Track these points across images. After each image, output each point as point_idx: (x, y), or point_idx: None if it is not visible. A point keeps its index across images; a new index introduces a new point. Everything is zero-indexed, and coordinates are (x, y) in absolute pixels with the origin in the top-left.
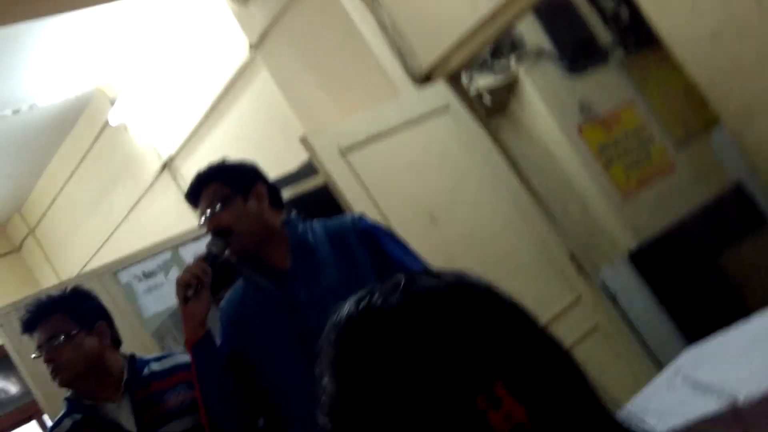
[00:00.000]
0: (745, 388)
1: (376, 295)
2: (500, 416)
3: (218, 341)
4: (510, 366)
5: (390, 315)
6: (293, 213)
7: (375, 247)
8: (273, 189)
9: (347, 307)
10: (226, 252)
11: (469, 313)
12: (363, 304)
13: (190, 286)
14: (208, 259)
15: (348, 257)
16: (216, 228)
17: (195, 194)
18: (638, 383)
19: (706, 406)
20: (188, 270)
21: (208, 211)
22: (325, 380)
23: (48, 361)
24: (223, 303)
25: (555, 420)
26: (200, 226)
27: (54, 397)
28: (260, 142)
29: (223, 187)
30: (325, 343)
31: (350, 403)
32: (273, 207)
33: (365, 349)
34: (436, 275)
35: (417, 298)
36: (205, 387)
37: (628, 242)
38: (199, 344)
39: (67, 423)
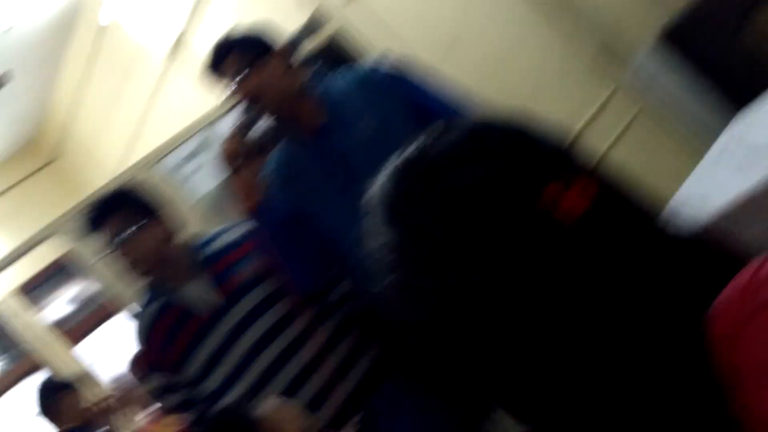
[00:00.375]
0: None
1: (423, 141)
2: (575, 193)
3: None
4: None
5: (444, 152)
6: (316, 67)
7: (400, 89)
8: (290, 48)
9: (398, 158)
10: (262, 117)
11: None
12: (412, 150)
13: (236, 156)
14: (247, 127)
15: (375, 103)
16: (246, 95)
17: (216, 67)
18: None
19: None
20: (229, 140)
21: (235, 80)
22: (382, 237)
23: (124, 254)
24: (268, 166)
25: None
26: (229, 98)
27: (127, 292)
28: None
29: (243, 55)
30: (377, 198)
31: (420, 240)
32: (293, 65)
33: (426, 188)
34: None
35: (467, 133)
36: (277, 248)
37: (660, 20)
38: (261, 209)
39: (154, 307)
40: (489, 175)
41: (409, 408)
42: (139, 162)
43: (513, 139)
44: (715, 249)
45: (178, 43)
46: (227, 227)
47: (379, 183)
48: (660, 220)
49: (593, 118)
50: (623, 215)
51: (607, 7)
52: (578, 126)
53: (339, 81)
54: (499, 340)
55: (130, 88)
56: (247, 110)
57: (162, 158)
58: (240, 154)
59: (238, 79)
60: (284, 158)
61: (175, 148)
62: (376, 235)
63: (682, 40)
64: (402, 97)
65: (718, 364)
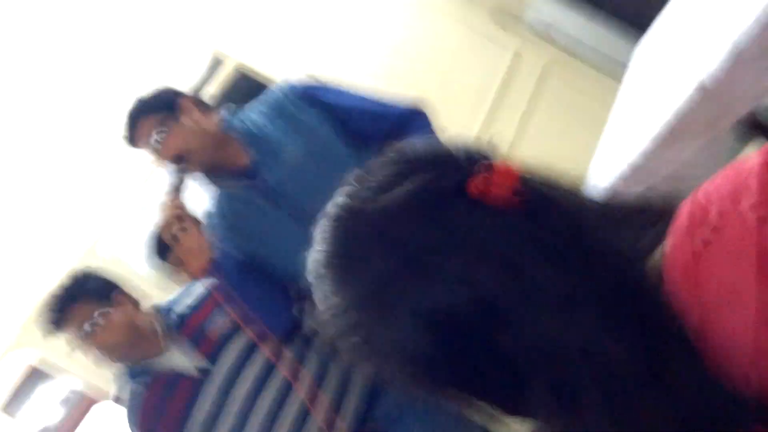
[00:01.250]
0: (705, 67)
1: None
2: (495, 184)
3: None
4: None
5: (366, 195)
6: (225, 109)
7: (316, 104)
8: (194, 97)
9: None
10: (187, 176)
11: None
12: (336, 208)
13: (172, 226)
14: (175, 193)
15: (296, 126)
16: (168, 156)
17: (132, 138)
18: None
19: (675, 101)
20: (163, 213)
21: (152, 145)
22: (335, 301)
23: (96, 344)
24: (207, 221)
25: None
26: (151, 163)
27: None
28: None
29: (152, 118)
30: (319, 268)
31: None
32: (204, 112)
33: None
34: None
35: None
36: (241, 297)
37: None
38: (214, 264)
39: (139, 385)
40: (414, 191)
41: (416, 409)
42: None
43: (423, 153)
44: (634, 205)
45: None
46: (186, 289)
47: (316, 252)
48: (582, 191)
49: (505, 82)
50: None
51: None
52: (492, 94)
53: (254, 114)
54: (484, 337)
55: None
56: (172, 173)
57: (100, 242)
58: (176, 223)
59: (156, 142)
60: (221, 208)
61: (111, 229)
62: (328, 301)
63: None
64: (318, 108)
65: (680, 305)
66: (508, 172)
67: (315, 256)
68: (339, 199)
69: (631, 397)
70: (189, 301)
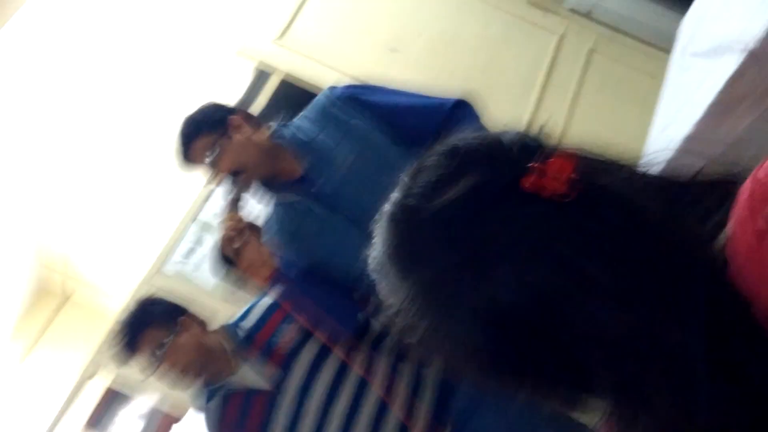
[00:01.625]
0: (752, 32)
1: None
2: (550, 178)
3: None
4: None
5: (423, 191)
6: (273, 122)
7: (362, 106)
8: (243, 112)
9: (384, 213)
10: (245, 191)
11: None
12: (396, 201)
13: (233, 240)
14: (233, 207)
15: (345, 131)
16: (225, 171)
17: (187, 158)
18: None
19: (724, 70)
20: (223, 228)
21: (209, 163)
22: (401, 293)
23: (170, 365)
24: (268, 233)
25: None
26: (208, 183)
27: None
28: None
29: (207, 136)
30: (382, 260)
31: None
32: (255, 126)
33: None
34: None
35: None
36: (312, 300)
37: None
38: (280, 273)
39: (216, 402)
40: (469, 189)
41: (490, 400)
42: (146, 274)
43: (478, 148)
44: (696, 187)
45: None
46: (252, 304)
47: (377, 245)
48: (640, 169)
49: (551, 66)
50: (607, 178)
51: None
52: (539, 79)
53: (303, 124)
54: (551, 326)
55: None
56: (230, 189)
57: (165, 262)
58: (235, 237)
59: (211, 160)
60: (280, 218)
61: (174, 249)
62: (394, 294)
63: None
64: (365, 110)
65: (747, 289)
66: (562, 165)
67: (375, 253)
68: (395, 197)
69: (701, 387)
70: (256, 315)
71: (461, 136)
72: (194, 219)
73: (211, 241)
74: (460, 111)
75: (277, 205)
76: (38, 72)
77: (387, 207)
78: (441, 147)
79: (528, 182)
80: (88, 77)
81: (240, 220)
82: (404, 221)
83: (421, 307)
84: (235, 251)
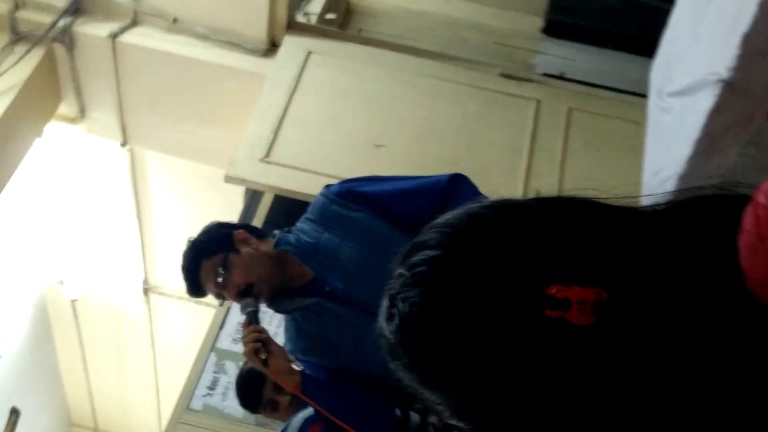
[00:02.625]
0: (722, 63)
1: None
2: (576, 311)
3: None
4: (563, 263)
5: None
6: (275, 232)
7: (360, 198)
8: (247, 226)
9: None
10: (261, 301)
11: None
12: (396, 312)
13: (258, 352)
14: (252, 320)
15: (347, 225)
16: (237, 289)
17: (197, 288)
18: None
19: (703, 105)
20: (245, 342)
21: (219, 285)
22: (434, 398)
23: (237, 293)
24: (288, 347)
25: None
26: (221, 304)
27: None
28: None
29: (212, 259)
30: (403, 372)
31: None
32: (259, 239)
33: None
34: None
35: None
36: (341, 412)
37: (537, 22)
38: (305, 387)
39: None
40: (482, 304)
41: None
42: (174, 413)
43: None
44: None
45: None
46: (284, 427)
47: (392, 363)
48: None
49: (534, 131)
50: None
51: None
52: (526, 146)
53: (306, 226)
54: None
55: (128, 352)
56: (245, 305)
57: (191, 398)
58: (260, 348)
59: (222, 278)
60: (298, 325)
61: (197, 382)
62: (428, 396)
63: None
64: (362, 202)
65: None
66: (586, 293)
67: (384, 343)
68: (393, 292)
69: None
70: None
71: (460, 221)
72: (212, 348)
73: (233, 367)
74: (456, 185)
75: (294, 311)
76: None
77: (385, 303)
78: (434, 232)
79: (553, 314)
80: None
81: (261, 330)
82: (416, 333)
83: (453, 413)
84: (262, 362)
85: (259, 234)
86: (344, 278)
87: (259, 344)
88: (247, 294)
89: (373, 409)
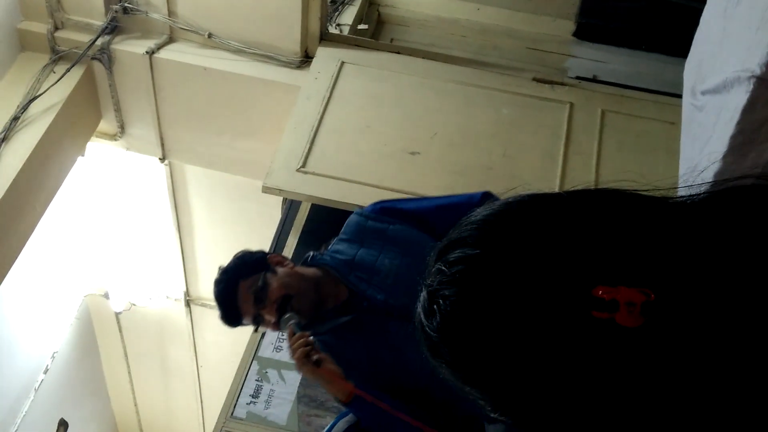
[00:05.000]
0: (754, 59)
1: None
2: (624, 313)
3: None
4: (607, 264)
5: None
6: (308, 254)
7: (395, 214)
8: (277, 254)
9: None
10: (301, 317)
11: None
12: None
13: (309, 356)
14: (296, 329)
15: (385, 239)
16: (276, 305)
17: (233, 313)
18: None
19: (736, 101)
20: (294, 348)
21: (259, 303)
22: (473, 393)
23: (277, 308)
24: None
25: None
26: (256, 330)
27: None
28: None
29: (248, 279)
30: (446, 371)
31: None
32: (291, 264)
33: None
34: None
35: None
36: (391, 422)
37: (568, 26)
38: (356, 397)
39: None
40: (526, 307)
41: None
42: (218, 422)
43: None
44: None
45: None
46: (329, 427)
47: (434, 360)
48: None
49: (569, 136)
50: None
51: (516, 40)
52: (561, 151)
53: (340, 246)
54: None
55: (171, 363)
56: (287, 318)
57: (235, 406)
58: (310, 353)
59: (260, 298)
60: (340, 342)
61: (240, 391)
62: (468, 393)
63: (592, 29)
64: (399, 217)
65: None
66: (633, 295)
67: (424, 340)
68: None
69: None
70: None
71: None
72: (254, 357)
73: (275, 375)
74: (488, 201)
75: (334, 330)
76: None
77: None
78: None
79: (600, 315)
80: None
81: (307, 337)
82: (456, 333)
83: (495, 408)
84: (315, 364)
85: (290, 261)
86: (384, 289)
87: (309, 347)
88: (286, 310)
89: (422, 416)
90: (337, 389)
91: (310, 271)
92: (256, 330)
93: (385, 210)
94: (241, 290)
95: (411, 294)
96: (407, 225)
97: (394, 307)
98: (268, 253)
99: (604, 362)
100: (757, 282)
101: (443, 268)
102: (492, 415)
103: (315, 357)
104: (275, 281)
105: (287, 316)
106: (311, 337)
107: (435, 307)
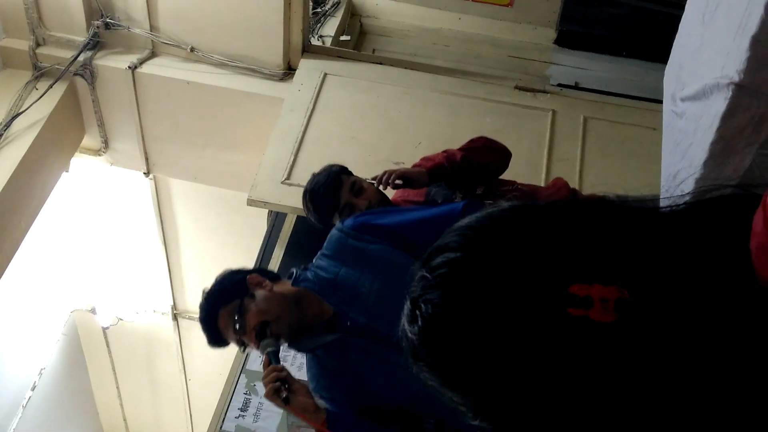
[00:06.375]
0: (732, 66)
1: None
2: (598, 309)
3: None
4: (582, 263)
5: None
6: (292, 271)
7: (376, 230)
8: (260, 270)
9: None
10: (280, 341)
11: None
12: (418, 314)
13: (280, 391)
14: (272, 359)
15: (365, 258)
16: (255, 332)
17: (217, 338)
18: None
19: (716, 108)
20: (267, 381)
21: (237, 331)
22: (456, 399)
23: (256, 336)
24: (312, 386)
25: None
26: (243, 351)
27: None
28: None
29: (228, 306)
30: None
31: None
32: (273, 281)
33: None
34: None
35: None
36: None
37: (549, 34)
38: (331, 423)
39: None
40: (506, 310)
41: None
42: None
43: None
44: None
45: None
46: None
47: (415, 365)
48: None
49: (552, 143)
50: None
51: (498, 49)
52: (544, 158)
53: (323, 262)
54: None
55: (160, 376)
56: (265, 345)
57: (223, 420)
58: (282, 387)
59: (239, 324)
60: (322, 362)
61: (228, 407)
62: (449, 400)
63: (573, 36)
64: (379, 234)
65: None
66: (607, 292)
67: (407, 345)
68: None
69: None
70: None
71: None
72: (242, 370)
73: (263, 388)
74: (472, 211)
75: (316, 349)
76: None
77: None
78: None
79: (575, 312)
80: None
81: (282, 369)
82: (439, 338)
83: (476, 413)
84: (284, 401)
85: (273, 276)
86: (365, 312)
87: (278, 384)
88: (265, 335)
89: None
90: (308, 422)
91: (292, 289)
92: (242, 351)
93: (364, 227)
94: (222, 317)
95: (390, 318)
96: (386, 244)
97: (376, 330)
98: (249, 272)
99: (580, 357)
100: (725, 281)
101: (426, 274)
102: (473, 422)
103: (284, 394)
104: (253, 307)
105: (265, 342)
106: (283, 372)
107: (417, 312)
